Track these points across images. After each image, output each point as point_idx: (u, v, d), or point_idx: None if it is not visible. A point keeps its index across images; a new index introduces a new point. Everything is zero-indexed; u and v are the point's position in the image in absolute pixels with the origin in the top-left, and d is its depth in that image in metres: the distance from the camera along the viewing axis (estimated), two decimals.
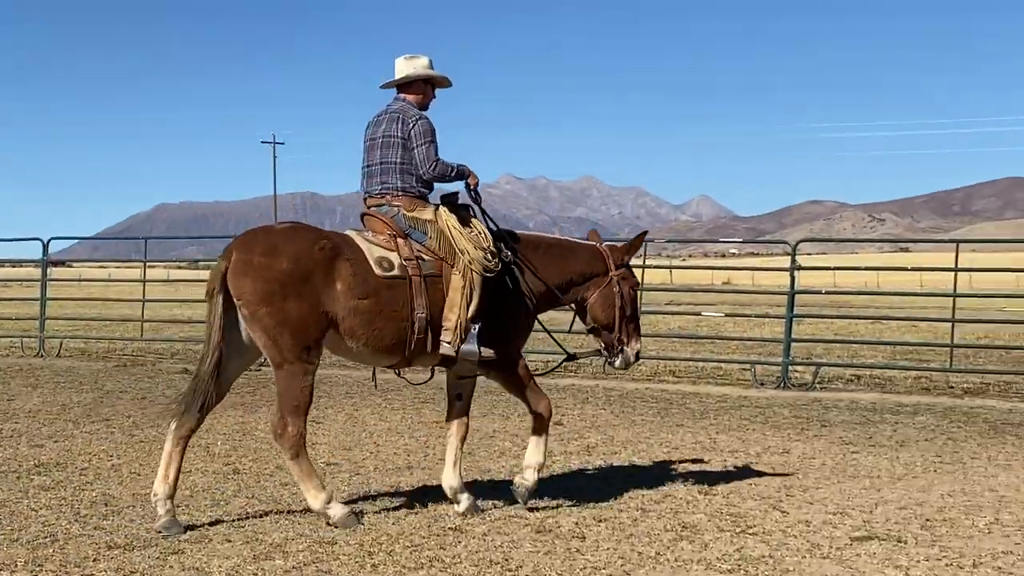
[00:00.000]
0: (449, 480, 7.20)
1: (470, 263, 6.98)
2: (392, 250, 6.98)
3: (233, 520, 6.86)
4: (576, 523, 6.85)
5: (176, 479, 6.67)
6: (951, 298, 16.12)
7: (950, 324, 16.16)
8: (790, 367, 15.12)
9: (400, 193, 7.21)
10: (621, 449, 9.76)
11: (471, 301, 6.97)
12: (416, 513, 7.07)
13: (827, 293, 19.39)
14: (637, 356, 7.70)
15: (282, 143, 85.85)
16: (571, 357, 7.93)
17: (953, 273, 15.66)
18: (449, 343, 6.96)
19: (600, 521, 6.92)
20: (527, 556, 6.08)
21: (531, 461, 7.35)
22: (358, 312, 6.73)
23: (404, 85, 7.48)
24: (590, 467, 8.93)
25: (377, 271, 6.82)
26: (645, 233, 8.45)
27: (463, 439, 7.38)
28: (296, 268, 6.57)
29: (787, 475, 8.59)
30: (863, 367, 16.29)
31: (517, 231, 7.56)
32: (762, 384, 14.80)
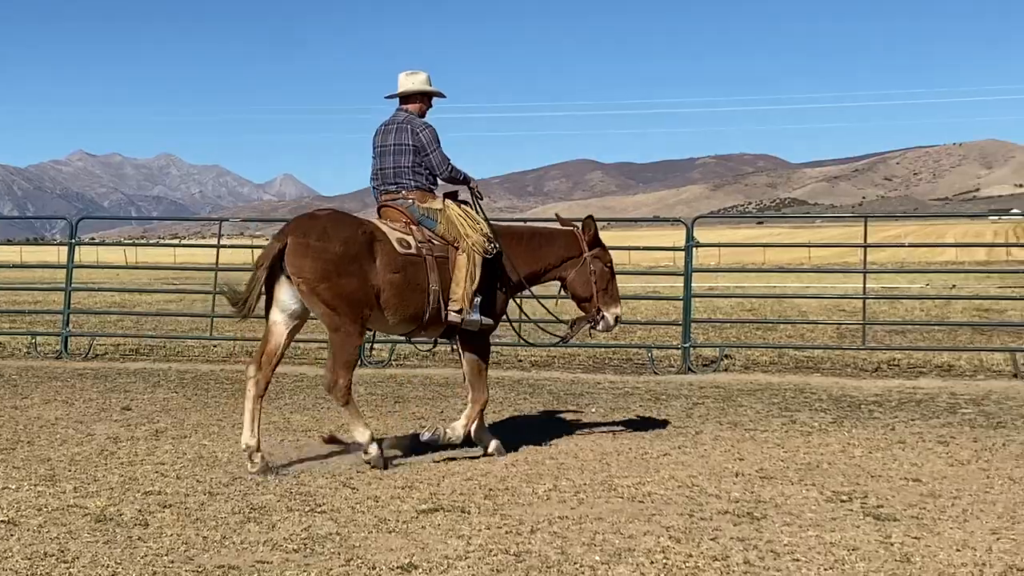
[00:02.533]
0: (475, 434, 8.62)
1: (473, 246, 8.35)
2: (408, 234, 8.30)
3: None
4: (139, 510, 6.60)
5: (259, 431, 7.96)
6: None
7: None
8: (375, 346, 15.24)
9: (413, 188, 8.54)
10: (191, 433, 9.49)
11: (474, 278, 8.32)
12: None
13: None
14: (617, 320, 9.08)
15: None
16: (570, 326, 9.23)
17: None
18: (457, 312, 8.29)
19: (165, 507, 6.70)
20: (85, 547, 5.80)
21: (457, 425, 8.54)
22: (392, 285, 8.05)
23: (405, 97, 8.79)
24: (158, 452, 8.61)
25: (400, 250, 8.14)
26: (590, 216, 9.28)
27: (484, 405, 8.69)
28: (347, 250, 7.85)
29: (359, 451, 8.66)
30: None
31: (501, 224, 9.10)
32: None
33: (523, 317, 9.98)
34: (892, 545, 5.96)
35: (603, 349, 15.64)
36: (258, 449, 7.85)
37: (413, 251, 8.20)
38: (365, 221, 8.27)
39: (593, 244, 9.05)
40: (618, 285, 9.29)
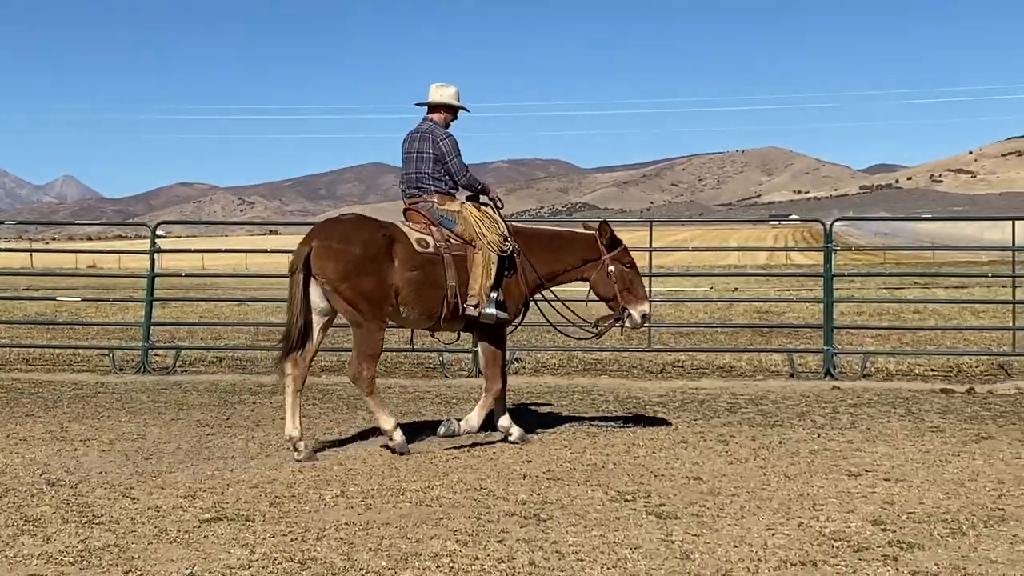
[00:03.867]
0: (501, 423, 9.30)
1: (489, 244, 8.98)
2: (428, 235, 8.99)
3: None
4: None
5: (300, 421, 8.68)
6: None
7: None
8: (151, 351, 14.81)
9: (433, 192, 9.21)
10: None
11: (490, 274, 8.96)
12: None
13: (188, 276, 19.18)
14: (644, 318, 9.61)
15: None
16: (595, 324, 9.79)
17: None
18: (474, 307, 8.95)
19: None
20: None
21: (471, 416, 9.14)
22: (410, 283, 8.75)
23: (433, 108, 9.45)
24: None
25: (418, 249, 8.83)
26: (605, 221, 9.69)
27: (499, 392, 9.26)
28: (366, 251, 8.58)
29: (141, 460, 8.41)
30: (226, 349, 16.35)
31: (524, 226, 9.69)
32: (121, 369, 14.39)
33: (550, 318, 10.23)
34: (673, 543, 6.10)
35: (394, 353, 15.60)
36: (301, 438, 8.57)
37: (431, 250, 8.93)
38: (385, 224, 9.01)
39: (612, 246, 9.57)
40: (642, 281, 9.88)
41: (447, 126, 9.43)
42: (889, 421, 10.37)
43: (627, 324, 9.64)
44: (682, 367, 14.82)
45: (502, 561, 5.74)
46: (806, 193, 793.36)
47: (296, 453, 8.50)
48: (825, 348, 13.97)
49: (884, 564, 5.70)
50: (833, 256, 14.50)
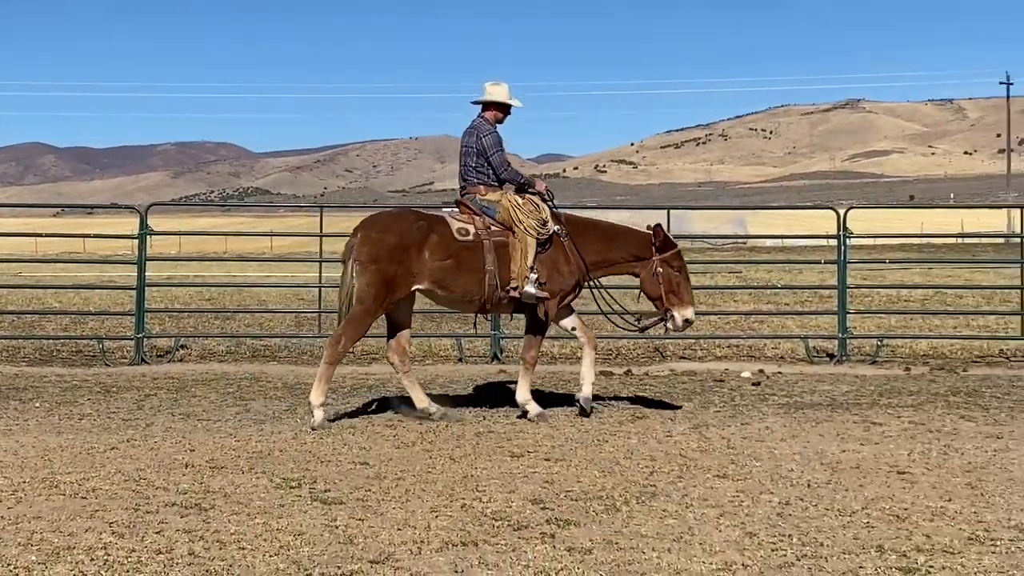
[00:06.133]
0: (519, 397, 9.92)
1: (526, 230, 9.64)
2: (470, 223, 9.78)
3: None
4: None
5: (327, 391, 9.62)
6: None
7: None
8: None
9: (476, 184, 9.98)
10: None
11: (527, 257, 9.62)
12: None
13: None
14: (686, 321, 9.95)
15: None
16: (638, 320, 10.32)
17: None
18: (515, 288, 9.63)
19: None
20: None
21: (522, 396, 9.90)
22: (444, 269, 9.56)
23: (485, 105, 10.20)
24: None
25: (458, 238, 9.63)
26: (659, 225, 10.13)
27: (533, 364, 10.05)
28: (400, 241, 9.50)
29: None
30: None
31: (577, 216, 10.47)
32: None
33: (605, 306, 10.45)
34: (337, 528, 6.10)
35: (51, 341, 14.85)
36: (320, 406, 9.41)
37: (471, 238, 9.67)
38: (426, 215, 9.88)
39: (664, 249, 9.96)
40: (690, 288, 10.20)
41: (498, 123, 10.18)
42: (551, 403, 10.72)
43: (669, 325, 10.10)
44: (352, 353, 14.79)
45: (160, 552, 5.58)
46: None
47: (314, 417, 9.37)
48: (492, 332, 14.31)
49: (542, 541, 5.89)
50: None
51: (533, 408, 9.82)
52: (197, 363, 13.71)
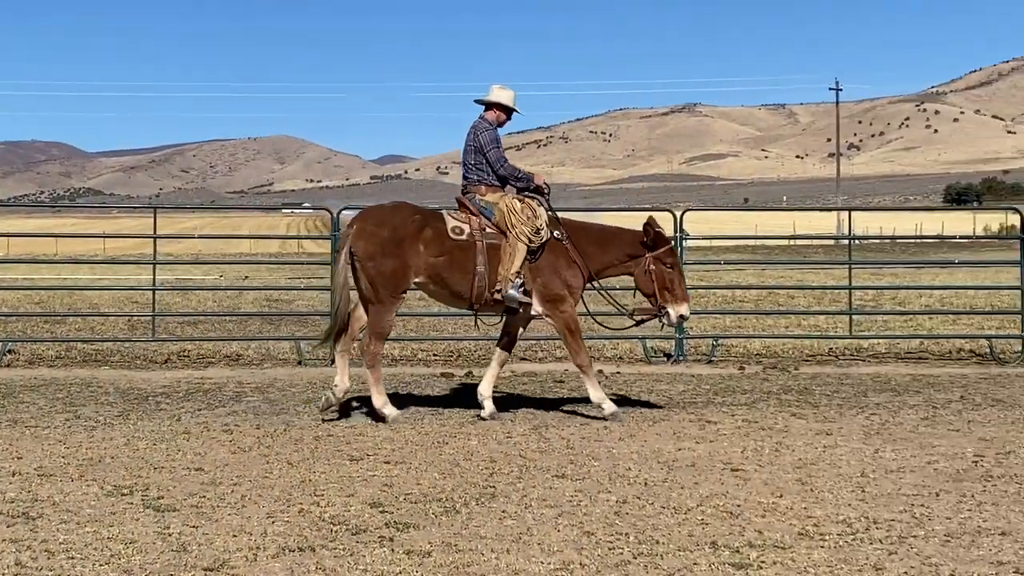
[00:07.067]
0: (482, 389, 10.09)
1: (518, 235, 9.72)
2: (466, 223, 9.87)
3: None
4: None
5: (347, 377, 9.82)
6: None
7: None
8: None
9: (478, 183, 10.08)
10: None
11: (513, 261, 9.70)
12: None
13: None
14: (681, 317, 10.13)
15: None
16: (631, 315, 10.48)
17: None
18: (499, 290, 9.73)
19: None
20: None
21: (595, 396, 9.99)
22: (436, 266, 9.72)
23: (488, 105, 10.34)
24: None
25: (452, 236, 9.76)
26: (649, 222, 10.15)
27: (502, 364, 10.38)
28: (394, 235, 9.62)
29: None
30: None
31: (572, 220, 10.46)
32: None
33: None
34: (170, 536, 5.97)
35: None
36: (344, 392, 9.79)
37: (464, 237, 9.78)
38: (422, 211, 10.01)
39: (656, 246, 10.03)
40: (684, 283, 10.24)
41: (500, 124, 10.31)
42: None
43: (663, 321, 10.28)
44: (188, 356, 14.54)
45: None
46: (319, 182, 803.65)
47: (327, 401, 9.77)
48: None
49: (381, 545, 5.87)
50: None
51: (608, 406, 9.93)
52: (25, 368, 13.29)
